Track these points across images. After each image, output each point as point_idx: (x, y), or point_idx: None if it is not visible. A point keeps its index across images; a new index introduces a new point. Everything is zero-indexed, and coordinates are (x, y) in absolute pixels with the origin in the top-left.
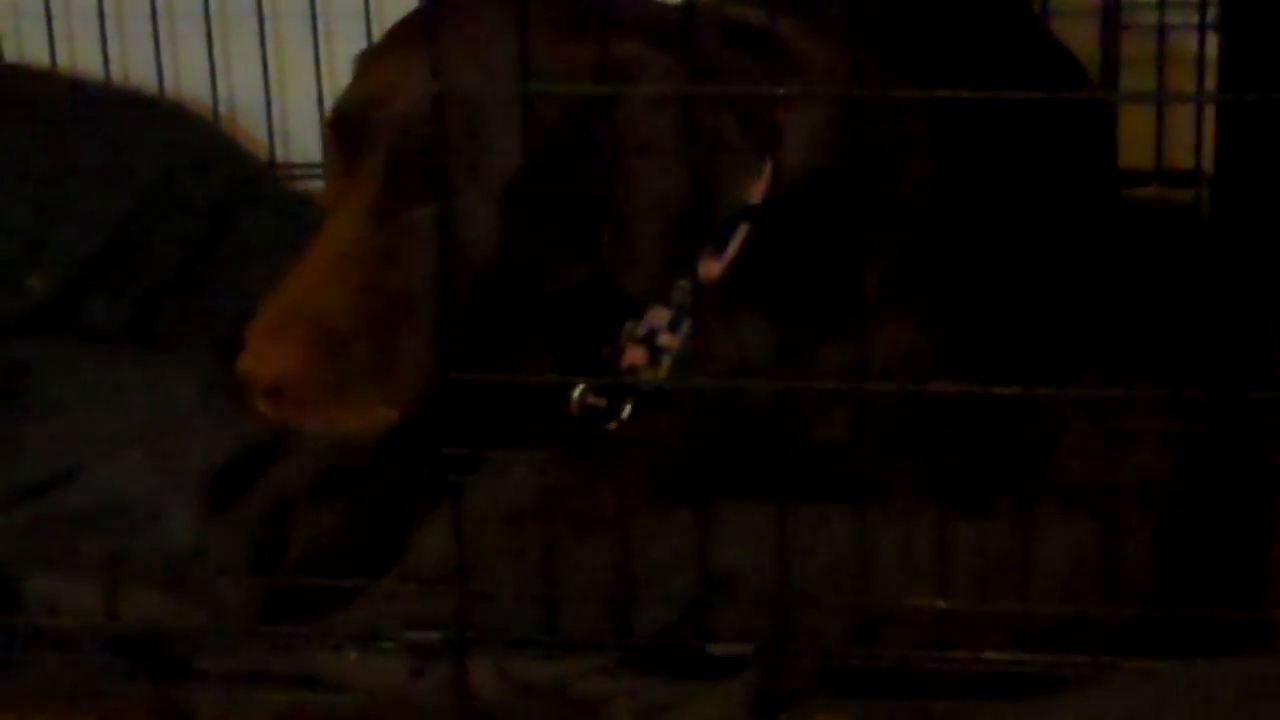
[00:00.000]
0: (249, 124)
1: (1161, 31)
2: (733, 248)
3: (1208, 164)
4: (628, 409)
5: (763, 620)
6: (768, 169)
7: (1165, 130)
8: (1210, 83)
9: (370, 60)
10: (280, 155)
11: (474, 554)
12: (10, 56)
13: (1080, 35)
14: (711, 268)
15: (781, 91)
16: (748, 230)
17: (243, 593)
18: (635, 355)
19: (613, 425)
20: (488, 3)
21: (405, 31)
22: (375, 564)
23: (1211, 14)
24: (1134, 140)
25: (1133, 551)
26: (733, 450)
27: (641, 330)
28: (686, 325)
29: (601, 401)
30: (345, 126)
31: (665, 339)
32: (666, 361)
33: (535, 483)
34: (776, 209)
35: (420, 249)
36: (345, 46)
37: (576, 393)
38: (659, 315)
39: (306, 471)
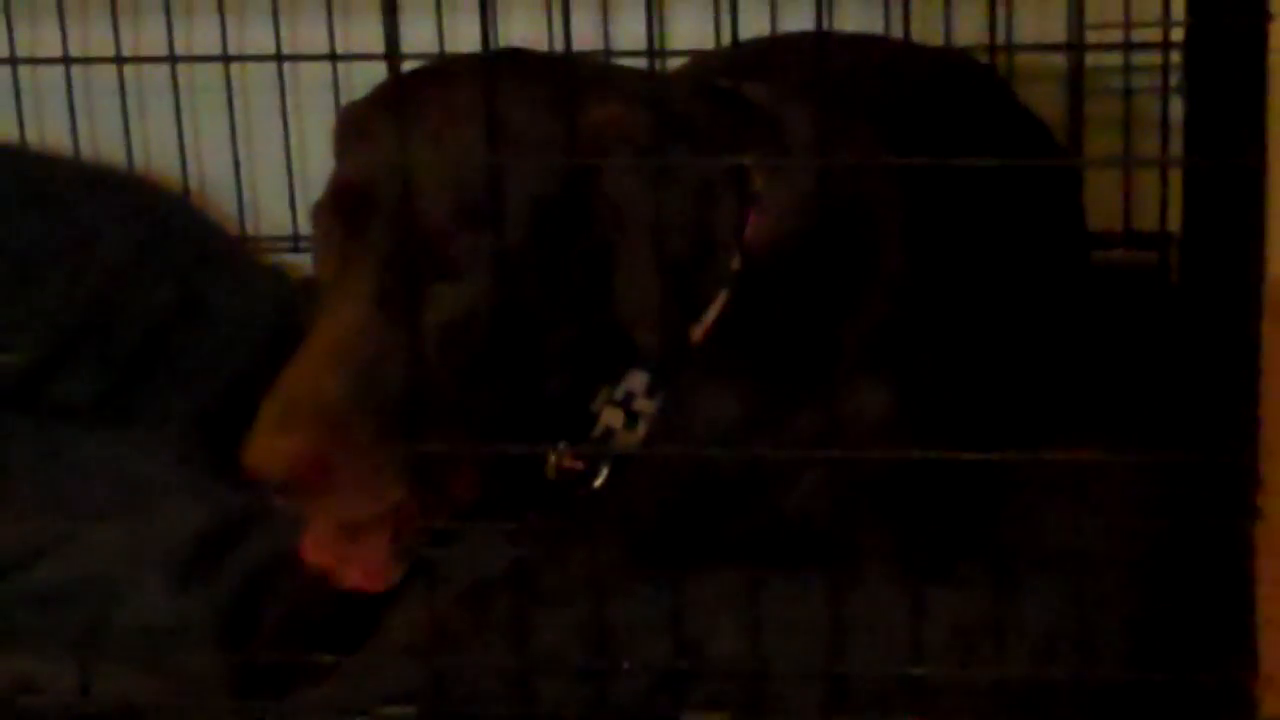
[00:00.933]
0: (218, 197)
1: (1127, 95)
2: (711, 313)
3: (1175, 226)
4: (604, 474)
5: (736, 689)
6: (746, 235)
7: (1132, 193)
8: (1177, 146)
9: (362, 129)
10: (250, 228)
11: (447, 627)
12: None
13: (1047, 100)
14: (691, 333)
15: (750, 160)
16: (726, 296)
17: (215, 668)
18: (612, 418)
19: (588, 490)
20: (464, 75)
21: (395, 99)
22: (349, 639)
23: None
24: (1102, 203)
25: (1108, 617)
26: (707, 517)
27: (618, 394)
28: (664, 390)
29: (579, 465)
30: (348, 199)
31: (642, 403)
32: (643, 427)
33: (508, 553)
34: (754, 275)
35: (427, 329)
36: (314, 120)
37: (553, 456)
38: (636, 379)
39: (280, 545)
